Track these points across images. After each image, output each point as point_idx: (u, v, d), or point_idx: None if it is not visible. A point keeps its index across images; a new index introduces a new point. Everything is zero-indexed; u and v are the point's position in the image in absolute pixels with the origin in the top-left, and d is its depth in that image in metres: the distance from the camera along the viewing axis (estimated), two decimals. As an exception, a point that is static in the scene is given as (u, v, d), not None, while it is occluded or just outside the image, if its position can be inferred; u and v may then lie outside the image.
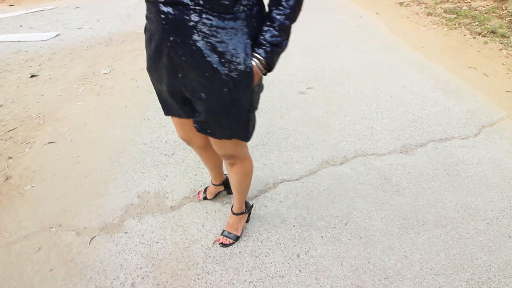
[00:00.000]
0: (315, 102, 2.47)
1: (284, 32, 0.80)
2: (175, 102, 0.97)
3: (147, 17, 0.86)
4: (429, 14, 4.48)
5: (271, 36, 0.79)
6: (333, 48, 3.42)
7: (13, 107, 2.43)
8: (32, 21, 4.44)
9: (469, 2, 4.82)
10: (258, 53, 0.80)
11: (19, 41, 3.71)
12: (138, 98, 2.53)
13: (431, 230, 1.44)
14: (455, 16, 4.31)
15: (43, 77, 2.88)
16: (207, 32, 0.75)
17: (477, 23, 4.07)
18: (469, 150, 1.97)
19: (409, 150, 1.97)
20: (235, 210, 1.38)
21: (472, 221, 1.49)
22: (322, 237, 1.41)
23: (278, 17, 0.78)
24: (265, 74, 0.85)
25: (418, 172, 1.78)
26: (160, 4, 0.73)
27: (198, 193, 1.63)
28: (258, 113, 2.33)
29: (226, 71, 0.78)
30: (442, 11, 4.53)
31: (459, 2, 4.83)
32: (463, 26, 4.01)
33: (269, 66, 0.82)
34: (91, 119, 2.28)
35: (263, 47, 0.79)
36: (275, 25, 0.78)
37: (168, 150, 1.95)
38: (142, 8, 5.02)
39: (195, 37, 0.75)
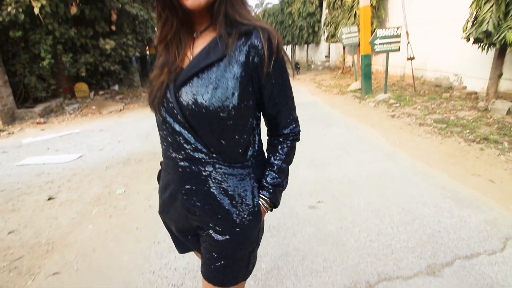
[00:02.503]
0: (327, 217, 2.45)
1: (283, 173, 0.94)
2: (189, 242, 1.03)
3: (163, 169, 0.99)
4: (420, 124, 4.88)
5: (272, 179, 0.92)
6: (336, 160, 3.61)
7: (24, 233, 2.43)
8: (59, 144, 4.89)
9: (455, 113, 5.30)
10: (263, 195, 0.92)
11: (43, 163, 4.00)
12: (150, 219, 2.54)
13: None
14: (445, 125, 4.68)
15: (60, 199, 2.98)
16: (220, 178, 0.87)
17: (468, 131, 4.37)
18: (500, 269, 1.83)
19: (436, 270, 1.83)
20: None
21: None
22: None
23: (276, 162, 0.92)
24: (271, 211, 0.96)
25: (452, 300, 1.61)
26: (178, 160, 0.87)
27: None
28: (270, 231, 2.28)
29: (237, 212, 0.88)
30: (432, 121, 4.95)
31: (445, 113, 5.32)
32: (456, 134, 4.30)
33: (273, 204, 0.94)
34: (100, 243, 2.25)
35: (266, 189, 0.92)
36: (274, 169, 0.92)
37: (177, 279, 1.84)
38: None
39: (209, 184, 0.87)
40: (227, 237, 0.89)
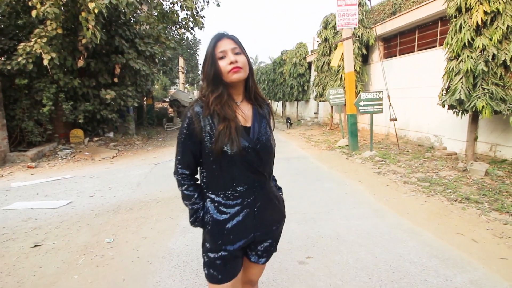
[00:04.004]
0: (316, 273, 2.47)
1: (278, 188, 1.53)
2: (239, 262, 1.35)
3: (221, 205, 1.27)
4: (405, 182, 5.09)
5: (277, 188, 1.52)
6: (326, 215, 3.69)
7: (7, 281, 2.35)
8: (49, 189, 4.85)
9: (437, 172, 5.58)
10: (281, 193, 1.52)
11: (32, 208, 3.94)
12: (137, 271, 2.50)
13: None
14: (428, 184, 4.90)
15: (46, 246, 2.91)
16: (270, 190, 1.39)
17: (449, 190, 4.58)
18: (487, 331, 1.85)
19: (424, 331, 1.84)
20: None
21: None
22: None
23: (275, 183, 1.53)
24: None
25: None
26: (251, 187, 1.28)
27: None
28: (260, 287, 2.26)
29: (279, 204, 1.43)
30: (416, 179, 5.18)
31: (428, 172, 5.59)
32: (438, 193, 4.50)
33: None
34: (85, 295, 2.18)
35: (280, 191, 1.53)
36: (276, 183, 1.54)
37: (164, 335, 1.78)
38: (151, 177, 5.64)
39: (270, 195, 1.37)
40: (281, 224, 1.45)
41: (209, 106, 1.22)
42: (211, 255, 1.29)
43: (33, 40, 6.51)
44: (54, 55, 6.64)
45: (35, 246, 2.91)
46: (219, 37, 1.24)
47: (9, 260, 2.67)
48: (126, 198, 4.37)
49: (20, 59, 6.58)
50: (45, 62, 6.59)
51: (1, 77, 7.06)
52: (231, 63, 1.20)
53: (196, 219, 1.30)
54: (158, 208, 3.95)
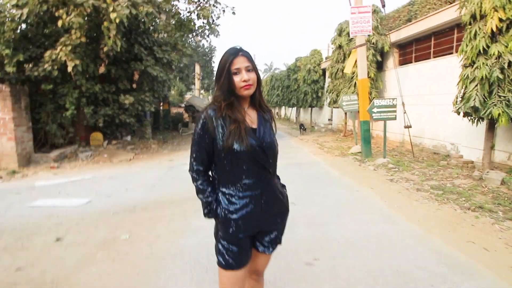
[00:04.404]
0: (322, 275, 2.52)
1: (283, 185, 1.65)
2: (249, 249, 1.50)
3: (232, 197, 1.43)
4: (418, 189, 5.04)
5: (281, 185, 1.63)
6: (335, 220, 3.73)
7: (31, 271, 2.53)
8: (70, 189, 5.11)
9: (452, 180, 5.49)
10: (285, 190, 1.64)
11: (54, 206, 4.17)
12: (151, 266, 2.63)
13: None
14: (442, 192, 4.84)
15: (67, 241, 3.10)
16: (275, 185, 1.53)
17: (463, 198, 4.52)
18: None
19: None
20: None
21: None
22: None
23: (279, 181, 1.63)
24: None
25: None
26: (259, 181, 1.45)
27: None
28: (266, 286, 2.34)
29: (283, 198, 1.56)
30: (429, 187, 5.12)
31: (442, 180, 5.51)
32: (452, 201, 4.44)
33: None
34: (102, 287, 2.32)
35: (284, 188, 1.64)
36: (279, 182, 1.63)
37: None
38: (166, 180, 5.83)
39: (275, 190, 1.52)
40: (285, 217, 1.60)
41: (221, 110, 1.41)
42: (223, 242, 1.44)
43: (58, 48, 6.89)
44: (77, 62, 7.00)
45: (57, 240, 3.10)
46: (235, 54, 1.41)
47: (33, 252, 2.86)
48: (142, 198, 4.55)
49: (46, 65, 6.98)
50: (69, 69, 6.95)
51: (29, 83, 7.50)
52: (244, 81, 1.40)
53: (209, 211, 1.47)
54: (172, 209, 4.10)
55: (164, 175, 6.16)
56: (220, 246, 1.46)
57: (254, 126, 1.47)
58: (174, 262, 2.71)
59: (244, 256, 1.47)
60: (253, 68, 1.43)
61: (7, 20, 6.71)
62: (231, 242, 1.44)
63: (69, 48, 6.85)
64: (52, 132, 7.80)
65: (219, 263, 1.45)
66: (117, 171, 6.56)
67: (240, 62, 1.40)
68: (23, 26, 7.73)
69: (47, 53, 6.98)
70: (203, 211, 1.49)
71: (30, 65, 7.61)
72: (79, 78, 7.78)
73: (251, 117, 1.49)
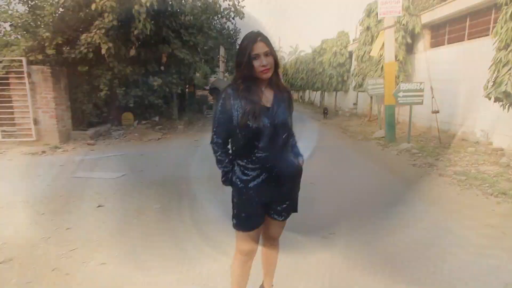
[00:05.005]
0: (337, 247, 2.70)
1: (299, 155, 1.79)
2: (261, 214, 1.68)
3: (254, 168, 1.59)
4: (440, 174, 5.02)
5: (297, 155, 1.78)
6: (354, 200, 3.85)
7: (78, 230, 2.92)
8: (106, 163, 5.58)
9: (477, 166, 5.38)
10: (300, 158, 1.77)
11: (93, 177, 4.62)
12: (181, 231, 2.94)
13: None
14: (465, 178, 4.79)
15: (107, 207, 3.49)
16: (286, 159, 1.67)
17: (487, 184, 4.45)
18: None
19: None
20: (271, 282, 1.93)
21: None
22: None
23: (296, 149, 1.81)
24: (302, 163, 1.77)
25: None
26: (272, 153, 1.60)
27: None
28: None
29: (294, 171, 1.69)
30: (453, 173, 5.07)
31: (467, 166, 5.42)
32: (474, 187, 4.40)
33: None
34: (141, 244, 2.66)
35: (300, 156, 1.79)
36: (296, 150, 1.79)
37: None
38: (193, 158, 6.18)
39: (286, 163, 1.66)
40: (298, 182, 1.73)
41: (240, 90, 1.56)
42: (237, 208, 1.66)
43: (93, 31, 7.28)
44: (110, 44, 7.37)
45: (99, 206, 3.49)
46: (255, 40, 1.54)
47: (79, 215, 3.27)
48: (171, 174, 4.90)
49: (82, 48, 7.42)
50: (103, 51, 7.35)
51: (66, 65, 8.01)
52: (263, 66, 1.53)
53: (226, 179, 1.69)
54: (197, 185, 4.41)
55: (191, 154, 6.51)
56: (235, 211, 1.67)
57: (269, 105, 1.59)
58: (200, 229, 3.00)
59: (255, 221, 1.66)
60: (271, 52, 1.55)
61: (47, 4, 7.15)
62: (243, 208, 1.63)
63: (103, 31, 7.21)
64: (88, 111, 8.35)
65: (234, 225, 1.68)
66: (147, 149, 7.00)
67: (259, 48, 1.52)
68: (61, 10, 8.16)
69: (83, 36, 7.39)
70: (221, 179, 1.70)
71: (68, 48, 8.10)
72: (112, 61, 8.19)
73: (267, 97, 1.61)
